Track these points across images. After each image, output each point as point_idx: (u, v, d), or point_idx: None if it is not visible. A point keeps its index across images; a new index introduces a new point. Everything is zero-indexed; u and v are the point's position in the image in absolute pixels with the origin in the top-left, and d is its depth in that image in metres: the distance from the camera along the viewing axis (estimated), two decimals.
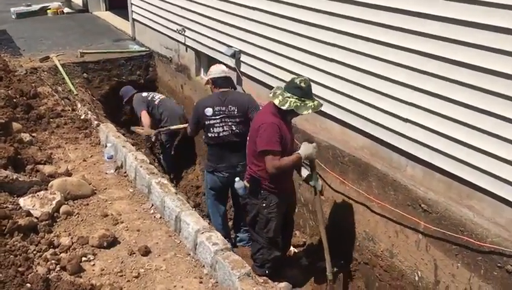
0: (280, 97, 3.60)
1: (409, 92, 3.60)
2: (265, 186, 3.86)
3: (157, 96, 6.84)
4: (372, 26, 3.78)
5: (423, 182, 3.70)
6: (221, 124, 4.61)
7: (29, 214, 3.22)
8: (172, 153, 6.96)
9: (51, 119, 5.14)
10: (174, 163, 7.02)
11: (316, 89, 4.49)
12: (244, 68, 5.70)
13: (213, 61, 6.53)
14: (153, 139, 6.41)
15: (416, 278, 3.82)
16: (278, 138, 3.60)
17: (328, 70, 4.40)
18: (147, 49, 8.31)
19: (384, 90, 3.83)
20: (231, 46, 5.75)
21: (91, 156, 4.43)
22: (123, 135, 5.68)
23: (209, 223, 3.37)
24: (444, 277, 3.55)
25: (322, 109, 4.32)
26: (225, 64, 5.95)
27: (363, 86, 4.04)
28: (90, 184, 3.88)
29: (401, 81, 3.66)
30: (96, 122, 5.25)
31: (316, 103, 3.64)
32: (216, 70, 4.82)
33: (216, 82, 4.77)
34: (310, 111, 3.59)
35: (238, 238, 5.21)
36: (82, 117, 5.51)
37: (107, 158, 4.11)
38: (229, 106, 4.63)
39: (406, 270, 3.91)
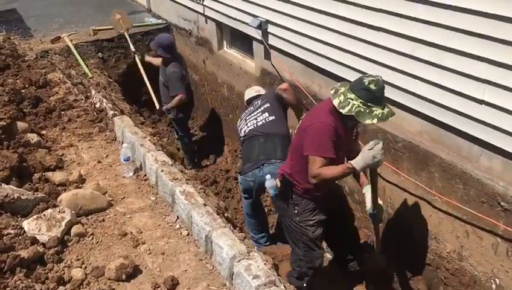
0: (342, 97, 2.90)
1: (485, 67, 2.89)
2: (298, 190, 3.27)
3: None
4: None
5: (503, 176, 3.03)
6: (246, 122, 4.28)
7: (34, 241, 2.72)
8: (190, 141, 6.43)
9: (62, 112, 4.62)
10: (194, 153, 6.48)
11: (362, 64, 3.84)
12: (272, 40, 5.01)
13: (236, 34, 5.87)
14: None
15: (494, 287, 3.22)
16: (331, 141, 2.95)
17: (377, 41, 3.69)
18: (164, 22, 7.64)
19: (450, 65, 3.12)
20: (257, 16, 5.04)
21: (106, 156, 3.90)
22: (142, 123, 5.17)
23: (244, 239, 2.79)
24: None
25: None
26: (251, 37, 5.33)
27: (420, 60, 3.34)
28: (105, 193, 3.36)
29: (474, 54, 2.95)
30: (112, 112, 4.69)
31: (386, 111, 2.89)
32: (250, 93, 4.62)
33: (248, 102, 4.58)
34: (375, 121, 2.86)
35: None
36: (97, 106, 4.98)
37: (124, 160, 3.57)
38: (255, 103, 4.34)
39: (479, 277, 3.31)
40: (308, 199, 3.29)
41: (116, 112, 4.74)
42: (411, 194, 3.76)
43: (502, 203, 3.01)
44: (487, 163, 3.11)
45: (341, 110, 2.88)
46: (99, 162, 3.79)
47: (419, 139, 3.57)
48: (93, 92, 5.32)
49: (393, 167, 3.82)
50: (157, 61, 6.22)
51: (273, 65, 5.18)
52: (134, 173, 3.63)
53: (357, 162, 2.92)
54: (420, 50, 3.31)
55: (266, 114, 4.13)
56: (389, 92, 3.64)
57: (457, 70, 3.08)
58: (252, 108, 4.30)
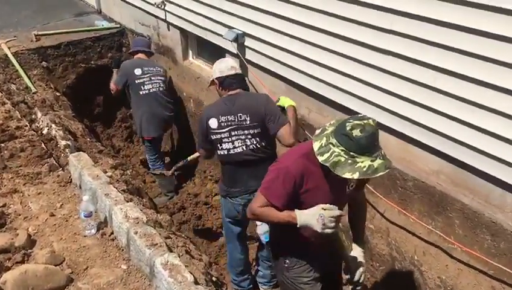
0: (324, 141, 2.28)
1: None
2: (287, 240, 2.70)
3: (148, 86, 5.25)
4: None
5: None
6: (230, 139, 3.45)
7: None
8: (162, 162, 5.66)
9: (2, 145, 3.83)
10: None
11: (363, 91, 3.32)
12: (250, 55, 4.41)
13: (205, 43, 5.22)
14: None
15: None
16: (283, 190, 2.41)
17: (381, 65, 3.18)
18: (118, 26, 6.84)
19: (477, 100, 2.65)
20: (232, 28, 4.42)
21: (61, 206, 3.18)
22: (100, 152, 4.44)
23: None
24: None
25: (380, 120, 3.18)
26: (224, 50, 4.70)
27: (439, 91, 2.86)
28: (63, 262, 2.67)
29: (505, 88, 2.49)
30: (63, 142, 3.95)
31: (377, 164, 2.18)
32: (222, 67, 3.59)
33: (223, 82, 3.57)
34: (356, 176, 2.17)
35: (259, 273, 4.10)
36: (44, 132, 4.21)
37: (84, 216, 2.87)
38: (239, 114, 3.44)
39: None
40: (299, 253, 2.72)
41: (68, 142, 4.00)
42: (421, 239, 3.30)
43: None
44: None
45: (319, 157, 2.27)
46: (52, 215, 3.07)
47: (435, 180, 3.10)
48: (39, 114, 4.53)
49: (400, 208, 3.34)
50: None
51: (250, 82, 4.57)
52: (97, 230, 2.94)
53: (300, 215, 2.40)
54: (440, 80, 2.82)
55: (257, 139, 3.46)
56: (398, 125, 3.18)
57: (487, 107, 2.61)
58: (234, 120, 3.42)
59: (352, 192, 2.58)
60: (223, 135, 3.44)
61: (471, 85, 2.66)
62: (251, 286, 4.06)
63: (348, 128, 2.18)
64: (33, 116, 4.55)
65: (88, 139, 5.00)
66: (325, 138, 2.29)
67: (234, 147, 3.45)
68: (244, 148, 3.44)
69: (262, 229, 2.91)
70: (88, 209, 2.86)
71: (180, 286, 2.33)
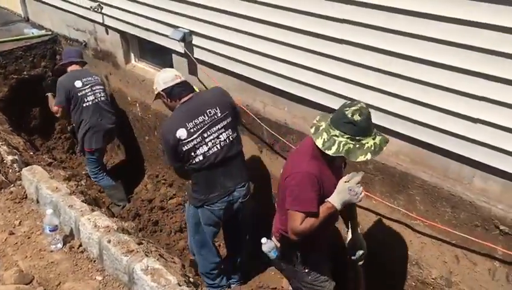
0: (325, 136, 2.43)
1: (477, 82, 2.60)
2: (300, 246, 2.78)
3: (91, 97, 5.07)
4: None
5: (502, 199, 2.79)
6: (204, 141, 3.33)
7: None
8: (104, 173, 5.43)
9: None
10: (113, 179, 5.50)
11: (315, 79, 3.40)
12: (199, 54, 4.37)
13: (147, 45, 5.12)
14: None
15: None
16: (313, 193, 2.50)
17: (339, 55, 3.26)
18: (49, 33, 6.53)
19: (429, 79, 2.80)
20: (178, 27, 4.36)
21: (19, 223, 3.01)
22: (49, 164, 4.24)
23: None
24: None
25: (330, 105, 3.30)
26: (170, 50, 4.64)
27: (391, 74, 2.98)
28: (32, 280, 2.53)
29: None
30: (10, 157, 3.73)
31: (378, 140, 2.45)
32: (166, 77, 3.45)
33: (171, 93, 3.44)
34: (369, 156, 2.40)
35: (232, 280, 4.07)
36: None
37: (50, 231, 2.73)
38: (207, 111, 3.37)
39: None
40: (314, 252, 2.83)
41: (15, 157, 3.79)
42: (385, 217, 3.43)
43: (501, 227, 2.78)
44: (481, 184, 2.85)
45: (327, 152, 2.42)
46: (11, 233, 2.90)
47: (395, 160, 3.23)
48: None
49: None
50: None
51: (200, 81, 4.55)
52: (64, 244, 2.81)
53: (334, 199, 2.55)
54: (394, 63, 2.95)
55: (229, 131, 3.40)
56: None
57: (444, 87, 2.76)
58: (206, 118, 3.33)
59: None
60: (195, 142, 3.30)
61: (421, 66, 2.80)
62: (229, 281, 4.03)
63: (349, 115, 2.35)
64: None
65: (31, 153, 4.76)
66: (325, 133, 2.43)
67: (209, 149, 3.34)
68: (218, 147, 3.36)
69: (269, 247, 2.87)
70: (53, 223, 2.73)
71: (164, 289, 2.28)
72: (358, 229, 3.12)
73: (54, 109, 5.14)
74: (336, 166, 2.66)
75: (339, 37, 3.14)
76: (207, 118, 3.33)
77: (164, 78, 3.45)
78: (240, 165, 3.57)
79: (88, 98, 5.02)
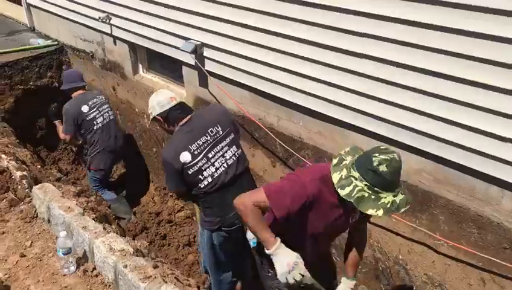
0: (344, 172, 2.19)
1: (506, 99, 2.51)
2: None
3: (100, 119, 5.01)
4: None
5: None
6: (209, 162, 3.20)
7: None
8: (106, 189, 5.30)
9: None
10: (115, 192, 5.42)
11: (331, 93, 3.32)
12: (210, 66, 4.28)
13: (156, 56, 5.03)
14: None
15: None
16: (290, 204, 2.25)
17: (349, 67, 3.17)
18: (55, 43, 6.46)
19: (455, 96, 2.70)
20: (189, 39, 4.27)
21: (31, 245, 2.90)
22: (58, 180, 4.13)
23: None
24: None
25: (345, 120, 3.20)
26: (179, 62, 4.55)
27: (412, 89, 2.89)
28: None
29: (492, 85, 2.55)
30: (19, 173, 3.63)
31: (399, 199, 2.13)
32: (161, 100, 3.31)
33: (168, 117, 3.30)
34: (381, 213, 2.10)
35: None
36: None
37: (63, 254, 2.63)
38: (209, 130, 3.24)
39: None
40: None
41: (24, 173, 3.69)
42: (407, 238, 3.33)
43: None
44: (510, 205, 2.75)
45: (339, 191, 2.17)
46: (22, 255, 2.79)
47: (417, 178, 3.13)
48: None
49: None
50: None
51: (211, 93, 4.45)
52: (77, 267, 2.71)
53: (277, 249, 2.25)
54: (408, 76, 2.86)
55: (234, 148, 3.27)
56: (375, 127, 3.20)
57: (472, 104, 2.66)
58: (208, 138, 3.20)
59: (355, 223, 2.54)
60: (200, 163, 3.16)
61: (447, 82, 2.70)
62: None
63: (375, 163, 2.08)
64: None
65: (38, 166, 4.67)
66: (345, 170, 2.19)
67: (216, 169, 3.21)
68: (226, 166, 3.24)
69: (251, 235, 2.75)
70: (66, 245, 2.63)
71: None
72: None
73: (62, 136, 5.11)
74: (349, 207, 2.28)
75: (361, 52, 3.05)
76: (209, 137, 3.20)
77: (159, 101, 3.30)
78: (250, 181, 3.48)
79: (97, 120, 4.98)
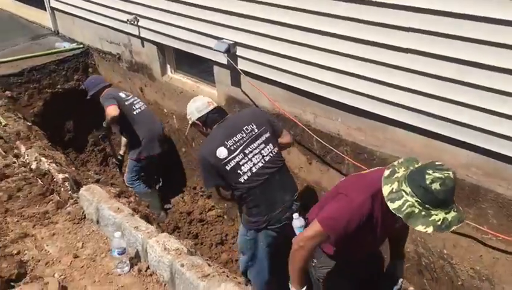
0: (395, 186, 2.13)
1: None
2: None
3: (138, 105, 5.12)
4: None
5: None
6: (247, 157, 3.25)
7: None
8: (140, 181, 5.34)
9: None
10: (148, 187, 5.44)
11: (373, 89, 3.30)
12: (243, 65, 4.28)
13: (184, 56, 5.04)
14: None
15: None
16: (348, 226, 2.29)
17: (394, 62, 3.15)
18: (81, 46, 6.51)
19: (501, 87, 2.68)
20: (221, 38, 4.27)
21: (82, 246, 2.93)
22: (97, 181, 4.16)
23: None
24: None
25: (385, 114, 3.19)
26: (211, 61, 4.56)
27: (461, 83, 2.86)
28: None
29: None
30: (61, 175, 3.66)
31: (451, 216, 2.04)
32: (199, 106, 3.49)
33: (207, 121, 3.46)
34: (430, 230, 2.03)
35: None
36: (33, 167, 3.88)
37: (118, 254, 2.65)
38: (244, 128, 3.33)
39: None
40: (329, 257, 2.68)
41: (66, 175, 3.72)
42: (453, 231, 3.30)
43: None
44: None
45: (389, 204, 2.11)
46: (76, 256, 2.83)
47: (465, 172, 3.11)
48: (22, 148, 4.19)
49: None
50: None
51: (244, 92, 4.46)
52: (131, 267, 2.73)
53: None
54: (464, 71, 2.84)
55: (270, 146, 3.34)
56: (419, 122, 3.18)
57: None
58: (244, 135, 3.29)
59: (400, 226, 2.54)
60: (238, 158, 3.23)
61: (499, 75, 2.68)
62: None
63: (427, 181, 2.01)
64: (15, 151, 4.20)
65: (73, 168, 4.70)
66: (396, 183, 2.14)
67: (254, 165, 3.26)
68: (263, 162, 3.29)
69: (299, 223, 2.74)
70: (121, 246, 2.65)
71: None
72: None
73: (108, 111, 4.79)
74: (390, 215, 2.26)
75: (404, 46, 3.03)
76: (245, 134, 3.30)
77: (198, 106, 3.49)
78: (289, 176, 3.53)
79: (136, 105, 5.07)
